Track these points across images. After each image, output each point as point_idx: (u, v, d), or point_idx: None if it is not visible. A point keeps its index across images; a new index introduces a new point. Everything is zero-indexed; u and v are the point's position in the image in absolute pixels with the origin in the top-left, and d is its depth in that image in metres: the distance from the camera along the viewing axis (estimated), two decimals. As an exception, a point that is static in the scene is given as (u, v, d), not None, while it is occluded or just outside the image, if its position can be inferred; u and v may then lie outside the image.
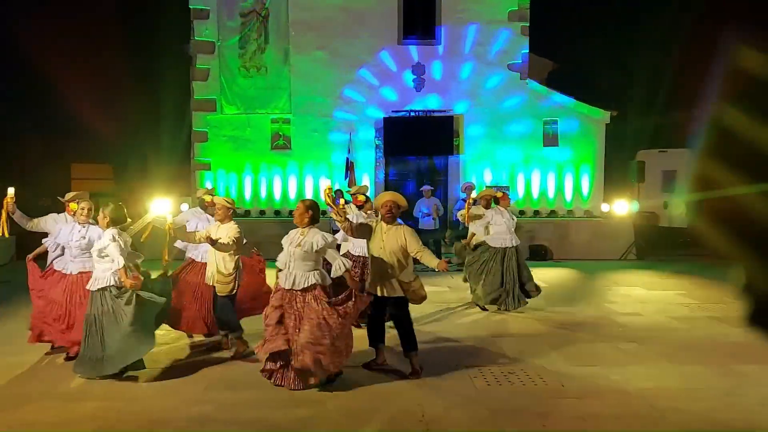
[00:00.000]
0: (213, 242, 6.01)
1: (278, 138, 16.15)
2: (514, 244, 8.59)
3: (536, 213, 15.95)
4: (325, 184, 6.22)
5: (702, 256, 15.36)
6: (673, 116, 21.31)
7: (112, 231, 5.60)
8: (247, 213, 15.70)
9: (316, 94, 16.07)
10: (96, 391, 5.31)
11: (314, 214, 5.55)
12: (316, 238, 5.40)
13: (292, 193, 16.11)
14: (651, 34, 22.11)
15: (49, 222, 6.61)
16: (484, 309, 8.68)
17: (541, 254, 14.62)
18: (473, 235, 8.89)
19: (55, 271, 6.40)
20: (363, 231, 5.92)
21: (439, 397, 5.17)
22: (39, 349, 6.42)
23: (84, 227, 6.31)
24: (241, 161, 16.17)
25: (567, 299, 9.67)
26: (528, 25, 16.14)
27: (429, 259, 5.71)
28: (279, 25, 15.91)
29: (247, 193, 16.08)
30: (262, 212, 15.90)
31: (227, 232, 6.19)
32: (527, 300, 8.56)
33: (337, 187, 15.01)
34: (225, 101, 16.05)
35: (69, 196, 6.58)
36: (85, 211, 6.30)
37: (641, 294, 10.16)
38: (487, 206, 8.78)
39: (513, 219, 8.75)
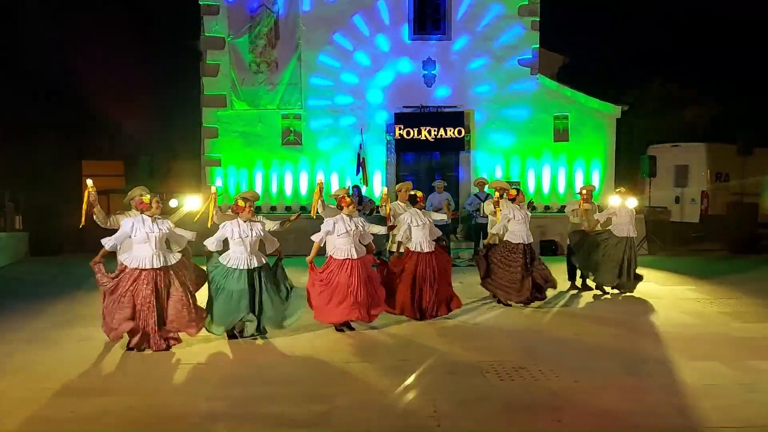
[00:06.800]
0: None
1: (289, 134, 16.14)
2: (634, 235, 9.57)
3: (547, 208, 15.87)
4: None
5: (713, 251, 15.34)
6: (685, 111, 21.21)
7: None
8: (258, 209, 15.69)
9: (327, 89, 16.05)
10: (113, 387, 5.33)
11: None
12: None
13: (303, 189, 16.10)
14: (664, 28, 21.96)
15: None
16: (604, 292, 9.64)
17: (551, 249, 14.55)
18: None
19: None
20: None
21: (451, 392, 5.15)
22: (67, 343, 6.58)
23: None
24: (252, 157, 16.17)
25: (577, 294, 9.68)
26: (538, 19, 16.04)
27: None
28: (289, 19, 15.88)
29: (258, 189, 16.06)
30: (273, 208, 15.89)
31: None
32: (636, 283, 9.55)
33: (348, 183, 15.04)
34: (235, 97, 16.04)
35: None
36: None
37: (653, 289, 10.07)
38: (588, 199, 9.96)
39: (633, 212, 9.72)
